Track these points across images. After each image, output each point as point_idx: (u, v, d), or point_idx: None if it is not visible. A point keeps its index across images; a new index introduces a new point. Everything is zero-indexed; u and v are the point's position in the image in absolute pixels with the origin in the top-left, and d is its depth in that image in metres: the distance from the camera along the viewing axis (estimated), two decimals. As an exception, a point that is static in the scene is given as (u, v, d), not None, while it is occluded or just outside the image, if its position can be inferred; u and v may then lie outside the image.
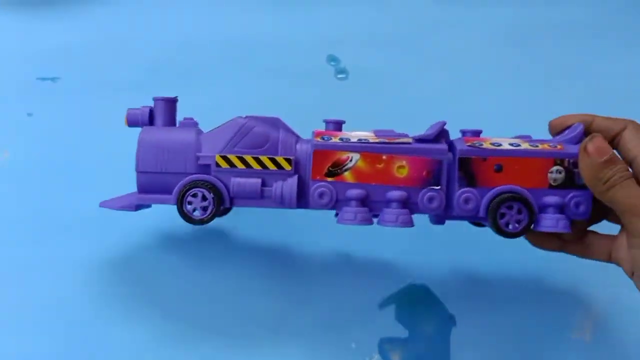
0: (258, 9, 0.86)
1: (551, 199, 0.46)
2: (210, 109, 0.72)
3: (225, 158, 0.48)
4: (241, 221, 0.65)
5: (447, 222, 0.53)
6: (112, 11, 0.84)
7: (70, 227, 0.65)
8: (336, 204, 0.47)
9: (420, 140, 0.48)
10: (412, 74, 0.79)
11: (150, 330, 0.59)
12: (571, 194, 0.46)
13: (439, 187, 0.47)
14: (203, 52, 0.79)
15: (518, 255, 0.63)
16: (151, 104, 0.54)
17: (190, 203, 0.48)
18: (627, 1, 0.90)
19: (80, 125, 0.71)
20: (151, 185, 0.50)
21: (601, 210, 0.48)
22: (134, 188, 0.51)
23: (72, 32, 0.79)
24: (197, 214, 0.48)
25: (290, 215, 0.65)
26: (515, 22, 0.87)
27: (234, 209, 0.55)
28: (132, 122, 0.53)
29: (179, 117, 0.55)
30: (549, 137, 0.53)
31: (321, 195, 0.47)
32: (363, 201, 0.46)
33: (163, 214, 0.63)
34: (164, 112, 0.53)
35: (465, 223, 0.56)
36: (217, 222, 0.56)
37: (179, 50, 0.79)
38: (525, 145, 0.48)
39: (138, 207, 0.52)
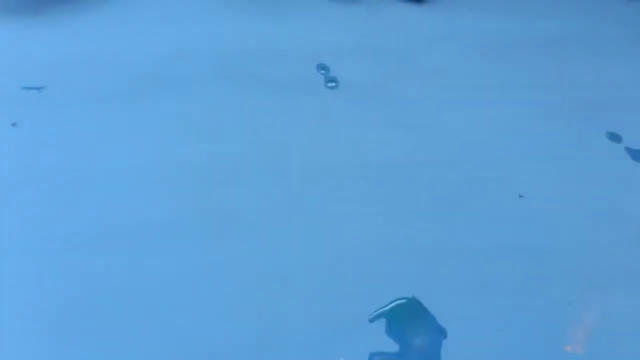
0: (248, 19, 0.86)
1: None
2: (201, 118, 0.71)
3: None
4: (224, 238, 0.64)
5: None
6: (99, 21, 0.83)
7: (56, 236, 0.64)
8: None
9: None
10: (402, 83, 0.78)
11: (140, 344, 0.58)
12: None
13: None
14: (193, 62, 0.79)
15: (509, 268, 0.62)
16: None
17: None
18: (610, 13, 0.90)
19: (67, 134, 0.70)
20: None
21: None
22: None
23: (58, 40, 0.78)
24: None
25: (280, 227, 0.64)
26: (503, 33, 0.87)
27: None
28: None
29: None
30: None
31: None
32: None
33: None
34: None
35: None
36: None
37: (168, 60, 0.79)
38: None
39: None
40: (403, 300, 0.59)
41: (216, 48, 0.82)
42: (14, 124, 0.71)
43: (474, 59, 0.85)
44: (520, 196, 0.67)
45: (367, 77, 0.81)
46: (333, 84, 0.78)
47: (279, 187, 0.67)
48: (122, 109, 0.59)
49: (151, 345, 0.57)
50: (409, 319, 0.58)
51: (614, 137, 0.74)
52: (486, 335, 0.58)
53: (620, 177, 0.70)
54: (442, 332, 0.57)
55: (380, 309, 0.59)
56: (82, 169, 0.68)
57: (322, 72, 0.80)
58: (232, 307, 0.59)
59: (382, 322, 0.58)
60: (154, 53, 0.82)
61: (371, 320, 0.58)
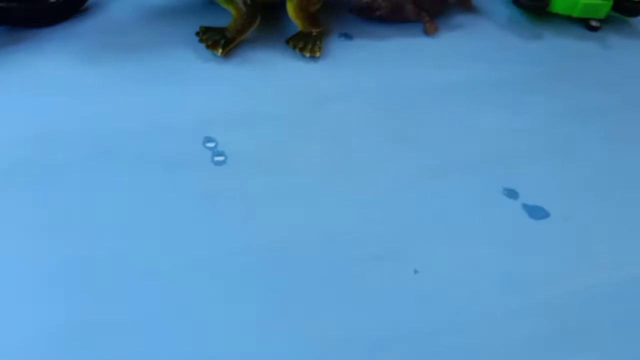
0: (124, 93, 0.80)
1: None
2: (74, 210, 0.64)
3: None
4: (97, 351, 0.57)
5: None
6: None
7: None
8: None
9: None
10: (295, 150, 0.74)
11: None
12: None
13: None
14: (68, 145, 0.72)
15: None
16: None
17: None
18: (517, 56, 0.91)
19: None
20: None
21: None
22: None
23: None
24: None
25: (159, 337, 0.57)
26: (400, 87, 0.86)
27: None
28: None
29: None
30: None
31: None
32: None
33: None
34: None
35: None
36: None
37: (38, 144, 0.72)
38: None
39: None
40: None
41: (93, 128, 0.76)
42: None
43: (370, 116, 0.83)
44: (416, 271, 0.63)
45: (258, 147, 0.77)
46: (221, 158, 0.73)
47: (159, 290, 0.60)
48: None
49: None
50: None
51: (511, 194, 0.72)
52: None
53: (519, 237, 0.68)
54: None
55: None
56: None
57: (210, 144, 0.75)
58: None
59: None
60: (22, 137, 0.75)
61: None
